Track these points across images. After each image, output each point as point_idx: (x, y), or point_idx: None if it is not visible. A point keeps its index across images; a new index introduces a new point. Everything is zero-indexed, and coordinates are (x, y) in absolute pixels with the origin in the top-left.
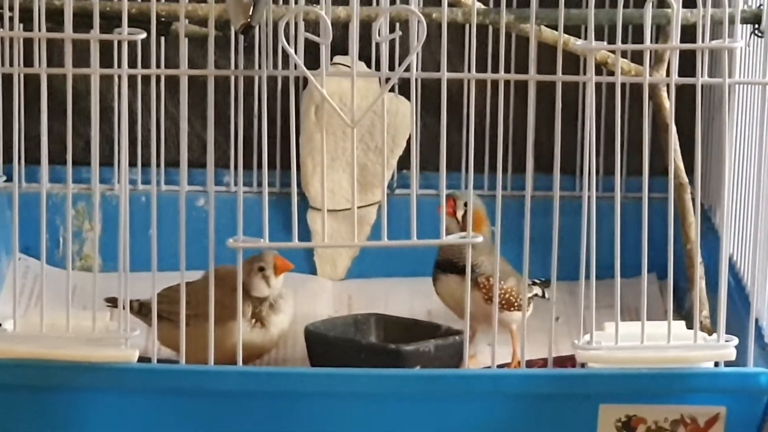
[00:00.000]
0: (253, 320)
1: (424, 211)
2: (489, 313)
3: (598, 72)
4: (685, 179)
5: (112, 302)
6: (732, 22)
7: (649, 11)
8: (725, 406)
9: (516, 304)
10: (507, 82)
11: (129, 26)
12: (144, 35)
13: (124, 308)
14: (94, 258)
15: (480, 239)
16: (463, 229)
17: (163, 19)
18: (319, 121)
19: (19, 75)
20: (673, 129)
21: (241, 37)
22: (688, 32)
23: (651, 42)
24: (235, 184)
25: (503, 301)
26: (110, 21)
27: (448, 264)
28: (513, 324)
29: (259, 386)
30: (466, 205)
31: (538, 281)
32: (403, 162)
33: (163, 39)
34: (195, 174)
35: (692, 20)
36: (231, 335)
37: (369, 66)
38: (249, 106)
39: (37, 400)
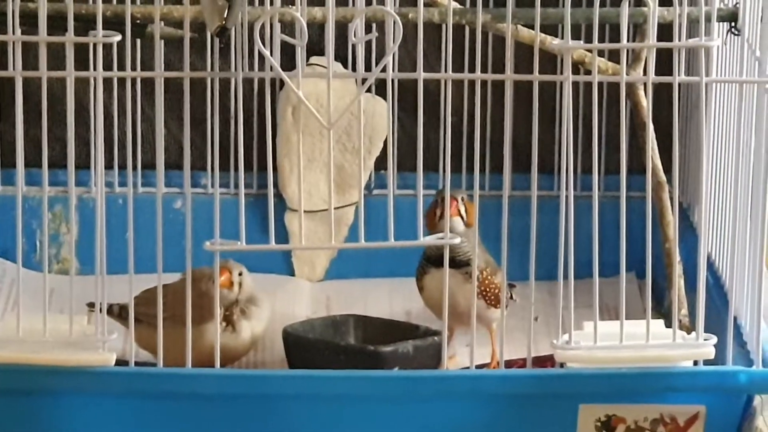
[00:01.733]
0: (224, 323)
1: (402, 211)
2: (479, 307)
3: (576, 71)
4: (663, 178)
5: (94, 306)
6: (708, 20)
7: (625, 10)
8: (705, 405)
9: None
10: (484, 82)
11: (104, 29)
12: (119, 38)
13: (101, 312)
14: (71, 261)
15: (458, 240)
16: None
17: (138, 21)
18: (296, 122)
19: None
20: (651, 127)
21: (217, 39)
22: (665, 31)
23: (628, 41)
24: (212, 185)
25: (492, 296)
26: (85, 24)
27: (440, 258)
28: (494, 322)
29: (237, 389)
30: (463, 200)
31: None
32: (380, 162)
33: (138, 41)
34: (172, 176)
35: (669, 19)
36: (203, 337)
37: (345, 66)
38: (225, 107)
39: (15, 405)
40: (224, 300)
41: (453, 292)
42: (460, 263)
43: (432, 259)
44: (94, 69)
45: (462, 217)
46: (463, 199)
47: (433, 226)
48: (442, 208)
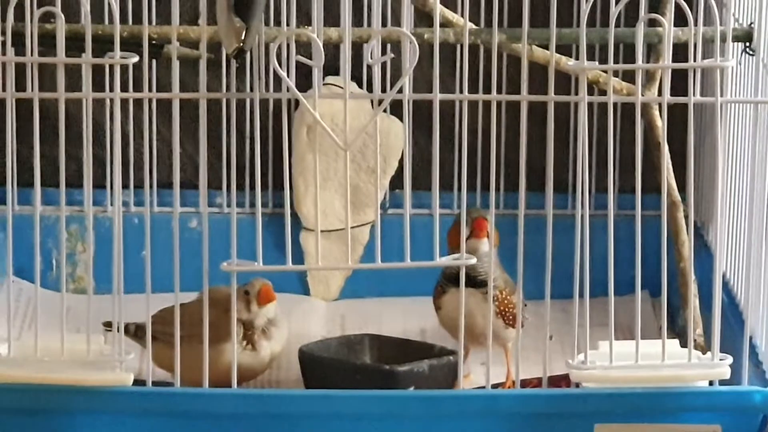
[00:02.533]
0: (244, 342)
1: (417, 230)
2: (496, 326)
3: (590, 91)
4: (678, 197)
5: (110, 326)
6: (723, 40)
7: (641, 30)
8: (720, 425)
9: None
10: (499, 102)
11: (121, 50)
12: (137, 59)
13: (118, 331)
14: (88, 280)
15: (474, 260)
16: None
17: (154, 42)
18: (310, 142)
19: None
20: (666, 147)
21: (233, 60)
22: (680, 51)
23: (643, 61)
24: (228, 205)
25: (510, 316)
26: (102, 45)
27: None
28: (509, 342)
29: (254, 408)
30: (475, 221)
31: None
32: (395, 182)
33: (154, 61)
34: (187, 195)
35: (684, 39)
36: (222, 356)
37: (360, 86)
38: (240, 127)
39: (33, 424)
40: (264, 318)
41: (472, 312)
42: (480, 283)
43: (452, 278)
44: (111, 90)
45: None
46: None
47: (456, 244)
48: (472, 228)
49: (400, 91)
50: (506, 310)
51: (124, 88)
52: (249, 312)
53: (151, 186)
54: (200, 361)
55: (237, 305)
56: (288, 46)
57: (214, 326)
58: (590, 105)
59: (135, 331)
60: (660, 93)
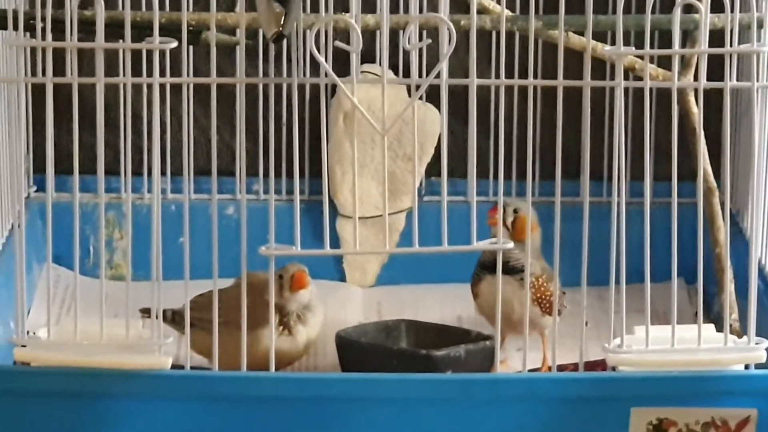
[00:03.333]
0: (281, 327)
1: (452, 218)
2: (533, 314)
3: (626, 77)
4: (713, 183)
5: (147, 312)
6: (760, 26)
7: (677, 16)
8: (756, 409)
9: (559, 308)
10: (535, 88)
11: (159, 36)
12: (175, 44)
13: (157, 317)
14: (126, 267)
15: (511, 244)
16: (514, 236)
17: (192, 28)
18: (347, 129)
19: (49, 85)
20: (701, 134)
21: (271, 46)
22: (716, 37)
23: (679, 47)
24: (265, 192)
25: (547, 304)
26: (140, 31)
27: (496, 265)
28: (546, 329)
29: (292, 392)
30: (516, 211)
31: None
32: (431, 169)
33: (192, 48)
34: (224, 182)
35: (720, 25)
36: (259, 342)
37: (396, 74)
38: (277, 113)
39: (72, 407)
40: (297, 303)
41: (509, 299)
42: (516, 270)
43: (487, 265)
44: (149, 75)
45: (507, 227)
46: (515, 211)
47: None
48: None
49: (437, 76)
50: (543, 297)
51: (162, 74)
52: (281, 297)
53: (188, 173)
54: (237, 347)
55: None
56: (326, 32)
57: (250, 312)
58: (626, 92)
59: (172, 317)
60: (696, 78)
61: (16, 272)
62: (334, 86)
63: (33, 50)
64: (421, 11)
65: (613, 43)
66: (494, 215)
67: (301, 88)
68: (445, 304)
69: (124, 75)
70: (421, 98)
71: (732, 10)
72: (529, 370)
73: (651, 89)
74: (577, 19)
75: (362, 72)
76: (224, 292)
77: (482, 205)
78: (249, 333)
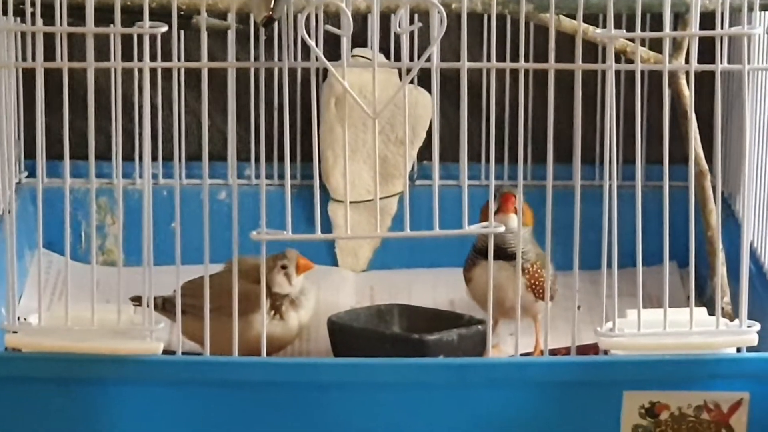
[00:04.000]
0: (273, 312)
1: (444, 202)
2: (527, 300)
3: (617, 60)
4: (705, 166)
5: (137, 300)
6: (751, 8)
7: None
8: (748, 392)
9: (552, 293)
10: (526, 72)
11: (149, 20)
12: (165, 28)
13: (148, 304)
14: (118, 252)
15: (503, 228)
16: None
17: (182, 12)
18: (339, 113)
19: (40, 70)
20: (693, 116)
21: (262, 30)
22: (707, 20)
23: (670, 30)
24: (257, 177)
25: (541, 290)
26: (131, 15)
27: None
28: (539, 314)
29: (284, 377)
30: (504, 197)
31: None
32: (423, 153)
33: (182, 32)
34: (216, 167)
35: (711, 7)
36: (251, 327)
37: (388, 57)
38: (268, 98)
39: (63, 393)
40: (282, 292)
41: (503, 285)
42: (511, 256)
43: (482, 250)
44: (140, 60)
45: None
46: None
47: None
48: (499, 203)
49: (428, 60)
50: (537, 283)
51: (152, 58)
52: (291, 285)
53: (180, 158)
54: (229, 333)
55: (278, 281)
56: (316, 15)
57: (242, 298)
58: (617, 75)
59: (163, 305)
60: (687, 61)
61: (7, 258)
62: (326, 70)
63: (23, 35)
64: None
65: (605, 26)
66: (512, 203)
67: (292, 72)
68: (438, 289)
69: (114, 60)
70: (412, 82)
71: None
72: (522, 355)
73: (642, 72)
74: (569, 1)
75: (353, 56)
76: (214, 278)
77: (474, 188)
78: (240, 319)
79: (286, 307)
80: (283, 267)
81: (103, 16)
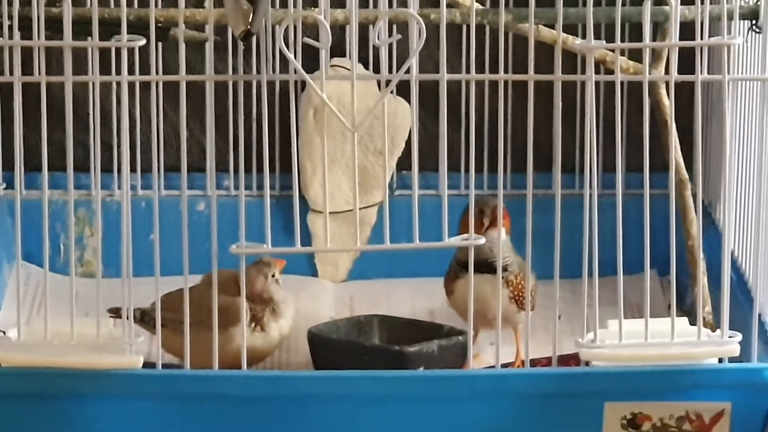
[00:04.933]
0: (253, 324)
1: (424, 211)
2: (509, 311)
3: (597, 70)
4: (686, 175)
5: (115, 312)
6: (730, 18)
7: (648, 9)
8: (730, 402)
9: (533, 304)
10: (506, 82)
11: (127, 33)
12: (144, 42)
13: (127, 316)
14: (96, 264)
15: (482, 241)
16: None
17: (160, 25)
18: (317, 124)
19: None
20: (673, 126)
21: (240, 42)
22: (687, 29)
23: (649, 40)
24: (235, 188)
25: (524, 300)
26: (108, 28)
27: (474, 264)
28: (521, 324)
29: (264, 390)
30: (494, 211)
31: None
32: (402, 162)
33: (160, 45)
34: (194, 178)
35: (690, 17)
36: (231, 340)
37: (367, 67)
38: (246, 109)
39: (44, 408)
40: (275, 295)
41: (486, 297)
42: (494, 268)
43: (465, 264)
44: (118, 73)
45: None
46: (493, 210)
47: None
48: (483, 218)
49: (408, 71)
50: (520, 294)
51: (130, 71)
52: (265, 288)
53: (158, 169)
54: (209, 346)
55: (273, 289)
56: (295, 27)
57: (221, 311)
58: (597, 84)
59: (141, 317)
60: (667, 71)
61: None
62: (304, 81)
63: (1, 48)
64: (390, 6)
65: (584, 35)
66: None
67: (271, 83)
68: (418, 299)
69: (92, 73)
70: (391, 92)
71: (702, 2)
72: (502, 365)
73: (622, 81)
74: (548, 12)
75: (332, 66)
76: (192, 291)
77: (453, 198)
78: (221, 332)
79: (267, 318)
80: (274, 276)
81: (81, 28)
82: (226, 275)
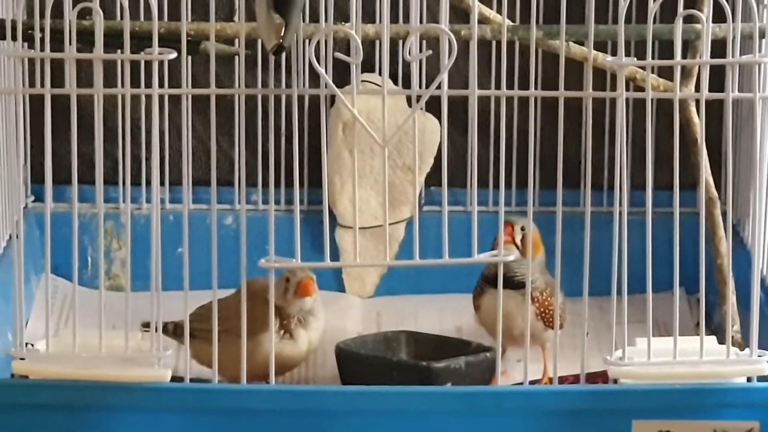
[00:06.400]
0: (282, 331)
1: (451, 228)
2: (536, 328)
3: (626, 87)
4: (715, 194)
5: (148, 326)
6: (762, 36)
7: (679, 26)
8: (758, 421)
9: (561, 321)
10: (535, 98)
11: (158, 46)
12: (175, 54)
13: (157, 329)
14: (125, 278)
15: (511, 257)
16: (522, 254)
17: (190, 38)
18: (347, 139)
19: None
20: (703, 144)
21: (270, 56)
22: (717, 47)
23: (680, 57)
24: (264, 202)
25: (551, 318)
26: (139, 41)
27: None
28: (548, 342)
29: (292, 404)
30: (523, 229)
31: None
32: (430, 178)
33: (190, 58)
34: (223, 192)
35: (721, 35)
36: (260, 347)
37: (396, 83)
38: (276, 123)
39: (71, 420)
40: (295, 308)
41: (512, 314)
42: (519, 284)
43: (490, 279)
44: (148, 86)
45: (517, 246)
46: (522, 228)
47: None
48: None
49: (438, 87)
50: (546, 311)
51: (160, 84)
52: (284, 299)
53: (187, 183)
54: (237, 355)
55: (286, 301)
56: (326, 42)
57: (251, 318)
58: (626, 101)
59: (174, 330)
60: (697, 89)
61: (14, 283)
62: (334, 95)
63: (31, 60)
64: (421, 21)
65: (614, 52)
66: (509, 233)
67: (301, 97)
68: (445, 315)
69: (123, 86)
70: (420, 108)
71: (734, 20)
72: (530, 382)
73: (652, 99)
74: (578, 28)
75: (362, 81)
76: (224, 301)
77: (482, 215)
78: (250, 339)
79: (295, 326)
80: (287, 280)
81: (112, 41)
82: (259, 283)
